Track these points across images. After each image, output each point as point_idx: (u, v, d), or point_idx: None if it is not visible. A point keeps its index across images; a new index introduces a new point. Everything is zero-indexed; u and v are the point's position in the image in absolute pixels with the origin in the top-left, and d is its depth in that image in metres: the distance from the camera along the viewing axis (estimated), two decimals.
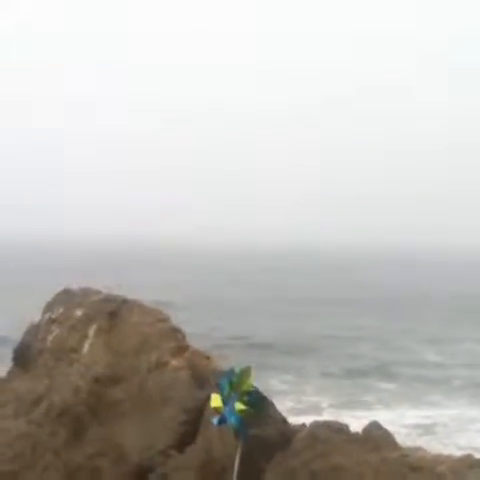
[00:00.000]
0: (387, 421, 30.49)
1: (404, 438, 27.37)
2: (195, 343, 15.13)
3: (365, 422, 12.62)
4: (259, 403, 11.43)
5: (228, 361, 14.30)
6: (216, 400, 11.23)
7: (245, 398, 11.05)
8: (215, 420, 11.31)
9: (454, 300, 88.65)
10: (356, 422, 13.53)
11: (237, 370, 11.55)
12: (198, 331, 33.45)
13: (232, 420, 11.04)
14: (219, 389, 11.41)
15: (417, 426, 32.22)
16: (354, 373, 44.52)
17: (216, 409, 11.26)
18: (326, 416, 28.37)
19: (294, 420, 14.67)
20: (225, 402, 11.09)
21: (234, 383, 11.24)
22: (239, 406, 10.95)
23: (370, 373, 44.77)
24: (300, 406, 34.64)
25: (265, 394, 12.23)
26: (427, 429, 31.82)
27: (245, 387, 11.20)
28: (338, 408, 34.95)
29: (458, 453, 13.22)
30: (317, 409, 34.38)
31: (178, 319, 15.76)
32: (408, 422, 32.78)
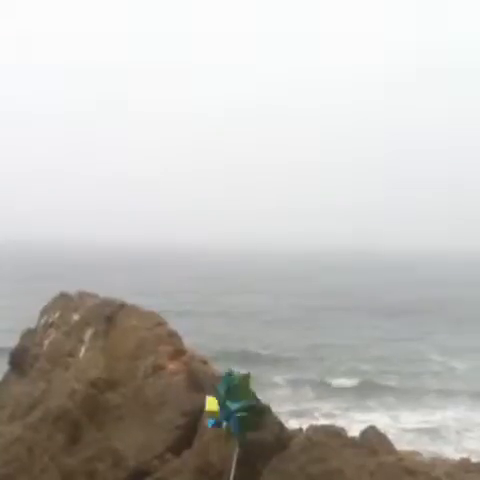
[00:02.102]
0: (390, 425, 30.72)
1: (408, 442, 27.44)
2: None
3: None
4: (259, 412, 11.38)
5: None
6: (212, 403, 11.18)
7: (245, 406, 10.99)
8: (210, 422, 11.28)
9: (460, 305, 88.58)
10: (358, 426, 13.35)
11: (235, 374, 11.51)
12: (198, 339, 33.32)
13: (231, 425, 10.98)
14: (216, 392, 11.36)
15: (422, 430, 32.15)
16: (356, 377, 44.49)
17: (211, 412, 11.21)
18: (327, 420, 28.28)
19: (294, 423, 14.65)
20: (221, 406, 11.04)
21: (232, 388, 11.16)
22: (241, 414, 10.89)
23: (373, 377, 44.71)
24: (300, 410, 34.64)
25: (264, 399, 12.21)
26: (432, 433, 31.75)
27: (243, 395, 11.13)
28: (342, 411, 34.97)
29: (461, 457, 13.16)
30: (318, 413, 34.36)
31: (178, 326, 15.68)
32: (412, 426, 32.74)
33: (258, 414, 11.29)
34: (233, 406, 10.99)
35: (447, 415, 35.00)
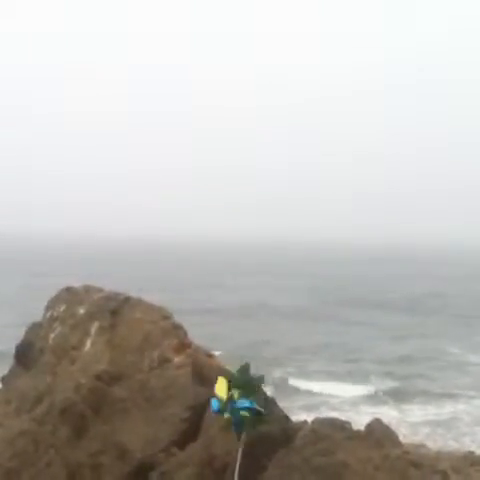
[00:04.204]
0: (400, 418, 30.72)
1: (415, 435, 27.52)
2: None
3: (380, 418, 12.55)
4: (264, 407, 11.42)
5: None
6: (221, 386, 11.13)
7: (250, 403, 11.00)
8: (214, 405, 11.24)
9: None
10: (367, 418, 13.28)
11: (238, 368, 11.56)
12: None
13: (233, 421, 11.03)
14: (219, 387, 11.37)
15: (432, 423, 32.22)
16: (367, 370, 44.43)
17: (220, 398, 11.17)
18: (337, 413, 28.27)
19: (305, 416, 14.63)
20: (229, 398, 11.05)
21: (244, 381, 11.21)
22: (243, 413, 10.92)
23: (385, 370, 44.61)
24: (312, 403, 34.62)
25: (270, 394, 12.26)
26: (443, 426, 31.84)
27: (252, 391, 11.16)
28: (352, 405, 35.00)
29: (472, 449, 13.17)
30: (330, 406, 34.36)
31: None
32: (423, 419, 32.83)
33: (261, 414, 11.30)
34: (240, 403, 11.02)
35: (461, 407, 35.10)
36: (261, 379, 11.68)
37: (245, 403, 10.91)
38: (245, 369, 11.55)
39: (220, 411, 11.30)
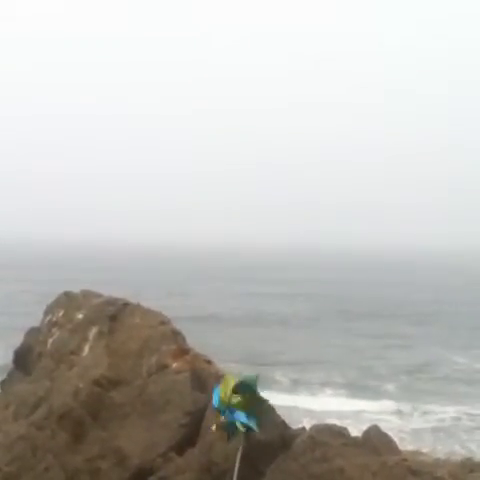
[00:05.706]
0: (401, 424, 30.74)
1: (417, 441, 27.54)
2: None
3: (384, 426, 12.55)
4: (249, 387, 11.37)
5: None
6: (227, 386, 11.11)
7: (247, 418, 11.01)
8: (216, 399, 11.23)
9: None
10: (367, 425, 13.25)
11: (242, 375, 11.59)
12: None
13: (241, 419, 11.01)
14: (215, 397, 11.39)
15: (433, 429, 32.25)
16: (371, 380, 44.38)
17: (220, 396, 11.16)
18: (337, 420, 28.24)
19: (304, 423, 14.67)
20: (226, 405, 11.06)
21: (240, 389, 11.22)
22: (238, 425, 10.92)
23: (389, 379, 44.55)
24: (312, 414, 34.53)
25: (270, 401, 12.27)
26: (449, 431, 31.90)
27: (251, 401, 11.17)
28: (353, 412, 34.98)
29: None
30: (330, 413, 34.31)
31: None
32: (424, 426, 32.86)
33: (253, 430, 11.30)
34: (237, 415, 11.04)
35: (466, 415, 35.16)
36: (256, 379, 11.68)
37: (242, 418, 10.89)
38: (252, 380, 11.50)
39: (219, 409, 11.26)
